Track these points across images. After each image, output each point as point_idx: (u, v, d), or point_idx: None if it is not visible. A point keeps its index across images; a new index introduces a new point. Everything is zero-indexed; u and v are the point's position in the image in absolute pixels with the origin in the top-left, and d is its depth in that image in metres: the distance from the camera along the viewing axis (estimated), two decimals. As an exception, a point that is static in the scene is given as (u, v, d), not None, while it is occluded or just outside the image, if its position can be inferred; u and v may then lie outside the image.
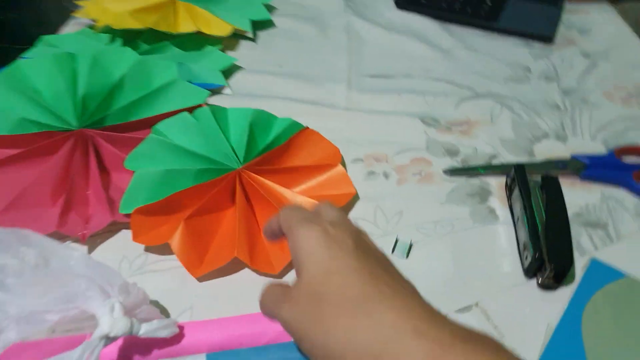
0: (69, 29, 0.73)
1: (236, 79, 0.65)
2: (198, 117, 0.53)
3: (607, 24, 0.81)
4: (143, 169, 0.48)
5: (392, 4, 0.81)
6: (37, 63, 0.56)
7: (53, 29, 1.34)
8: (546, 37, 0.75)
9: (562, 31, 0.78)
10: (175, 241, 0.43)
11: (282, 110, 0.57)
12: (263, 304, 0.32)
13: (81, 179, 0.47)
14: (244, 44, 0.72)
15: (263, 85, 0.64)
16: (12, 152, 0.47)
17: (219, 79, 0.62)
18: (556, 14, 0.80)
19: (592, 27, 0.80)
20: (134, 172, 0.47)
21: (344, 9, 0.79)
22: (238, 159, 0.49)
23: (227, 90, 0.62)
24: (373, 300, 0.26)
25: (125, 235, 0.45)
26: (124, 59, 0.58)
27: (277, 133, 0.53)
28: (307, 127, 0.54)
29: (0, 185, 0.45)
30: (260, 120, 0.54)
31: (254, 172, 0.48)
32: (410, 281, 0.29)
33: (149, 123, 0.52)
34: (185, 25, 0.68)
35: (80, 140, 0.49)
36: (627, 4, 0.88)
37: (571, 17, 0.81)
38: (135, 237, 0.43)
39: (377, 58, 0.70)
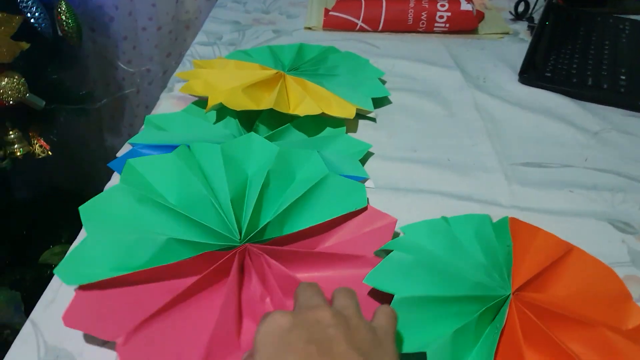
0: (166, 102, 0.64)
1: (371, 167, 0.55)
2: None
3: None
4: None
5: (513, 77, 0.73)
6: (157, 162, 0.47)
7: (99, 89, 1.27)
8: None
9: None
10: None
11: (437, 209, 0.47)
12: None
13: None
14: (363, 124, 0.63)
15: (403, 174, 0.54)
16: (167, 295, 0.37)
17: (360, 171, 0.52)
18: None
19: None
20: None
21: (463, 82, 0.71)
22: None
23: (369, 183, 0.52)
24: None
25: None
26: (264, 152, 0.49)
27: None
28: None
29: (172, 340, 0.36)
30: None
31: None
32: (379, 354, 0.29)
33: (311, 234, 0.42)
34: (307, 107, 0.58)
35: (243, 259, 0.40)
36: None
37: None
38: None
39: (521, 142, 0.60)
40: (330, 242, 0.43)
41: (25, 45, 0.82)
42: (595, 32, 0.83)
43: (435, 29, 0.83)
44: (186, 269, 0.38)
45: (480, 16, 0.86)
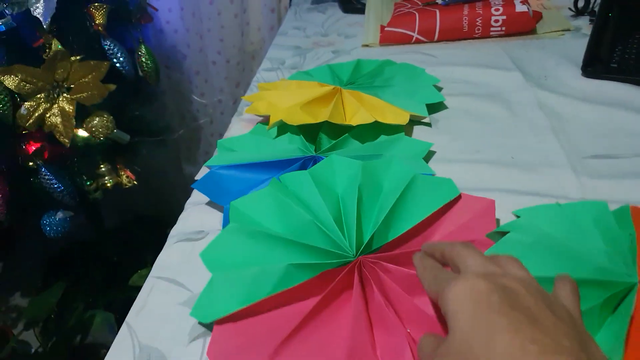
0: (236, 125, 0.69)
1: (434, 169, 0.56)
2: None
3: None
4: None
5: (576, 72, 0.71)
6: (256, 199, 0.49)
7: (176, 121, 1.36)
8: None
9: None
10: None
11: (507, 205, 0.48)
12: (419, 355, 0.32)
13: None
14: (418, 130, 0.64)
15: (469, 175, 0.55)
16: (296, 317, 0.39)
17: (426, 168, 0.54)
18: None
19: None
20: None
21: (523, 82, 0.71)
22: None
23: (435, 184, 0.53)
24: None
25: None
26: (348, 169, 0.51)
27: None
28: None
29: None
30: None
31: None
32: (580, 330, 0.28)
33: (416, 234, 0.44)
34: (361, 117, 0.61)
35: (360, 272, 0.42)
36: None
37: None
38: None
39: (589, 135, 0.59)
40: (438, 236, 0.44)
41: (112, 87, 0.91)
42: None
43: (491, 33, 0.83)
44: (309, 290, 0.40)
45: (537, 16, 0.85)
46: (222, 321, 0.39)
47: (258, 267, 0.42)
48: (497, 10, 0.81)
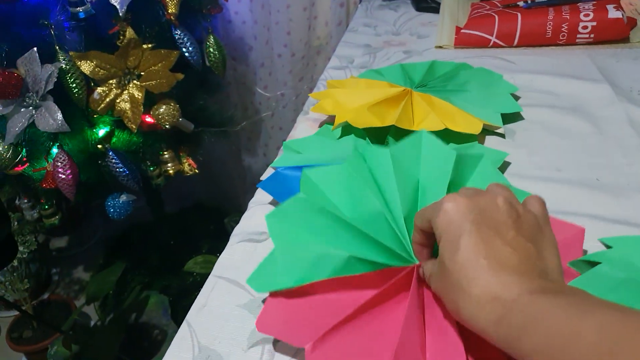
0: (302, 125, 0.68)
1: (510, 184, 0.52)
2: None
3: None
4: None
5: (675, 89, 0.65)
6: (331, 174, 0.47)
7: (239, 113, 1.38)
8: None
9: None
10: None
11: (589, 234, 0.43)
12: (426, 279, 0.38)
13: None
14: (491, 140, 0.60)
15: (549, 196, 0.50)
16: (350, 305, 0.38)
17: (502, 179, 0.50)
18: None
19: None
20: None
21: (613, 96, 0.65)
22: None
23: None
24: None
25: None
26: (437, 154, 0.48)
27: None
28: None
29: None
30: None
31: None
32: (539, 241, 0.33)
33: None
34: (431, 122, 0.58)
35: (417, 274, 0.40)
36: None
37: None
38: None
39: (688, 160, 0.54)
40: None
41: (180, 76, 0.92)
42: None
43: (577, 40, 0.77)
44: (367, 282, 0.39)
45: (632, 23, 0.78)
46: (276, 294, 0.39)
47: (320, 250, 0.41)
48: (586, 15, 0.75)
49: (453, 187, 0.45)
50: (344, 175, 0.46)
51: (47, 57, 0.80)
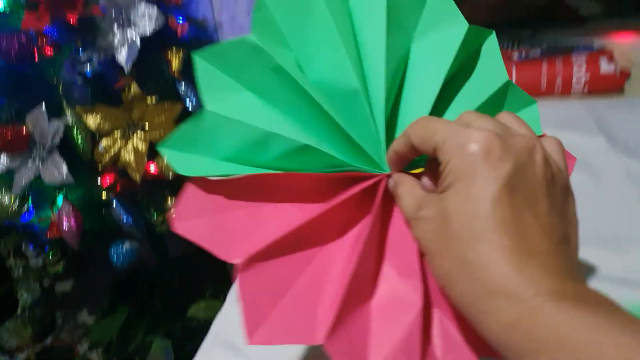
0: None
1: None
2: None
3: None
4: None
5: (670, 142, 0.65)
6: (298, 6, 0.31)
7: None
8: None
9: None
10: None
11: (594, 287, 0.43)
12: (400, 205, 0.29)
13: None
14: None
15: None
16: (292, 217, 0.31)
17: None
18: None
19: None
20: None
21: (608, 148, 0.66)
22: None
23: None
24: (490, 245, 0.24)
25: None
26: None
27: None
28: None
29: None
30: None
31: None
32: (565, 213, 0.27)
33: None
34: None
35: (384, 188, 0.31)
36: None
37: None
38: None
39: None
40: None
41: (183, 127, 0.94)
42: None
43: (572, 92, 0.78)
44: (319, 186, 0.31)
45: (625, 75, 0.80)
46: (198, 183, 0.31)
47: (268, 125, 0.30)
48: (579, 67, 0.77)
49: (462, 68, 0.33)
50: (315, 16, 0.31)
51: (55, 111, 0.83)
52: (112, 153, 0.89)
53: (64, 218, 0.87)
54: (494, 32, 0.33)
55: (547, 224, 0.25)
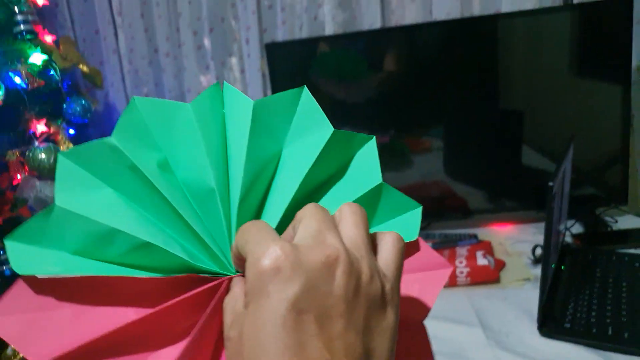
0: None
1: None
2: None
3: None
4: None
5: (534, 330, 0.77)
6: (168, 111, 0.34)
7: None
8: None
9: None
10: None
11: None
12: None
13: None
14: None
15: None
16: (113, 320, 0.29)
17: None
18: None
19: None
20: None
21: (484, 340, 0.76)
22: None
23: None
24: None
25: None
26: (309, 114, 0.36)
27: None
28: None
29: None
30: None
31: None
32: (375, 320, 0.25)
33: None
34: None
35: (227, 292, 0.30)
36: None
37: None
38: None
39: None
40: None
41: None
42: (612, 272, 0.88)
43: (458, 283, 0.91)
44: (159, 288, 0.30)
45: (500, 266, 0.94)
46: (31, 281, 0.29)
47: (117, 222, 0.30)
48: (460, 262, 0.91)
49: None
50: (185, 121, 0.33)
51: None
52: None
53: None
54: (374, 137, 0.35)
55: (341, 346, 0.23)
